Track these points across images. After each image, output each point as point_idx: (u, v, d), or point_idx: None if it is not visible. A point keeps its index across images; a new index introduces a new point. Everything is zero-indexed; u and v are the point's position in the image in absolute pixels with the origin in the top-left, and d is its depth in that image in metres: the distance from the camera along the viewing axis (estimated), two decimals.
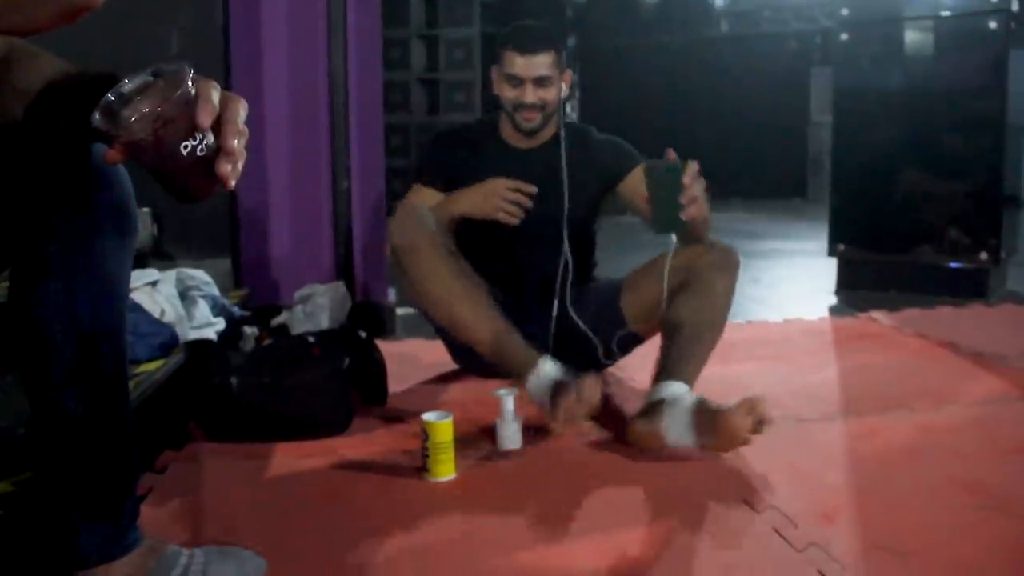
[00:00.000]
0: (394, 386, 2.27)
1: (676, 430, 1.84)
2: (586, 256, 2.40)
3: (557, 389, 1.87)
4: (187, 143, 0.90)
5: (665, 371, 1.97)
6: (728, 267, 2.14)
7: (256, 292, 3.11)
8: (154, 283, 2.30)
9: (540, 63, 2.23)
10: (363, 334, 2.24)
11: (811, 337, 3.09)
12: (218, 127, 0.93)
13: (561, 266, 2.25)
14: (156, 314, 2.22)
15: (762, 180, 9.43)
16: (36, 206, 1.09)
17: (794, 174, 9.22)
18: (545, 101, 2.26)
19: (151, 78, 0.91)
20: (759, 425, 1.76)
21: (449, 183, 2.29)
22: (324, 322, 2.49)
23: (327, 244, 3.17)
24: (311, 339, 2.13)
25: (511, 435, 1.92)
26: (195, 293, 2.48)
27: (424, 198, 2.29)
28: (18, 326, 1.14)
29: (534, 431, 1.97)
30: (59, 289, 1.12)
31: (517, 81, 2.24)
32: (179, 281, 2.44)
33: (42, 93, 0.99)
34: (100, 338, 1.16)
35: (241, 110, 0.95)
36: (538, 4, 9.90)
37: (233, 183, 0.94)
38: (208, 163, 0.92)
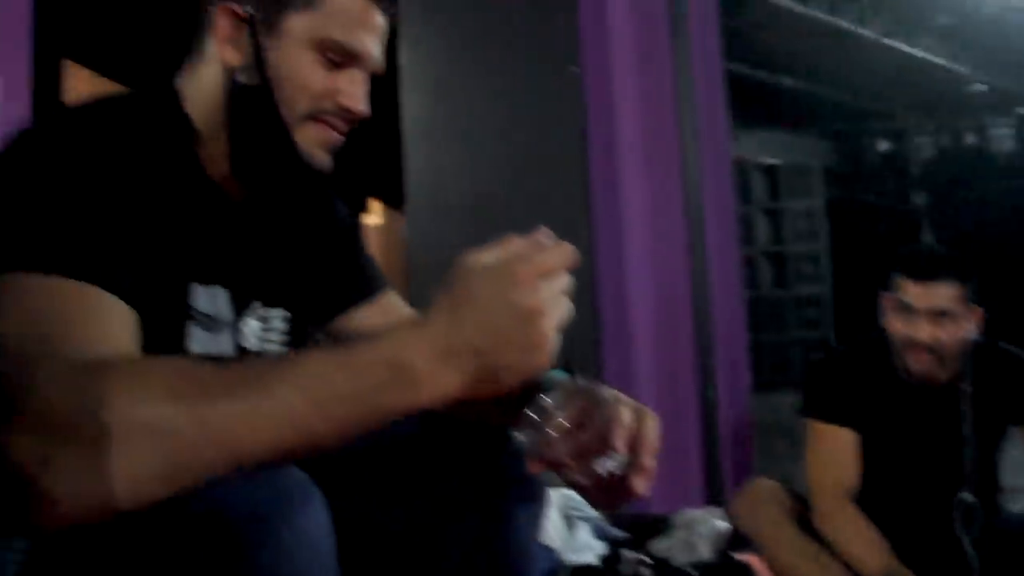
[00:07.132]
0: None
1: None
2: (989, 492, 2.09)
3: None
4: (602, 463, 0.92)
5: None
6: None
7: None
8: None
9: (939, 294, 1.92)
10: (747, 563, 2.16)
11: None
12: (631, 443, 0.93)
13: (959, 512, 1.99)
14: (545, 539, 2.29)
15: None
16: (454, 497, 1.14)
17: None
18: (941, 342, 1.93)
19: (567, 385, 0.94)
20: None
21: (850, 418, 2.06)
22: (705, 553, 2.43)
23: (694, 458, 3.05)
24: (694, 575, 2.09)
25: None
26: (575, 515, 2.53)
27: (839, 440, 2.05)
28: None
29: None
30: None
31: (909, 312, 1.94)
32: (562, 504, 2.51)
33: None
34: None
35: (654, 425, 0.95)
36: (883, 167, 9.63)
37: (644, 493, 0.93)
38: (622, 479, 0.93)
